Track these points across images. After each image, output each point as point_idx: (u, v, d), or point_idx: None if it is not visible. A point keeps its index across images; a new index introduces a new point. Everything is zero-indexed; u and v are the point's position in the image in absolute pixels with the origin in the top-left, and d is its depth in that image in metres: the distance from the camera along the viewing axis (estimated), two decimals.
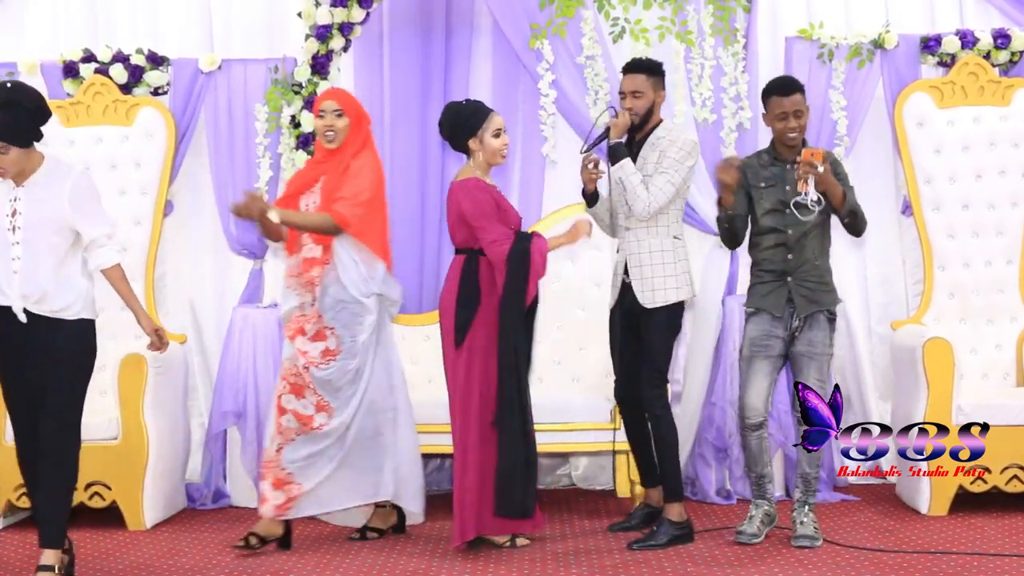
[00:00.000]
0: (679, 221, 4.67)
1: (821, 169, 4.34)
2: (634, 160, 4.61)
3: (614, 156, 4.59)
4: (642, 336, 4.63)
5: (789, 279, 4.53)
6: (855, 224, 4.56)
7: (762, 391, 4.54)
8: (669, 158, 4.54)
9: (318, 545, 4.69)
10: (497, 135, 4.57)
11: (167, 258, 5.72)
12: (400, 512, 4.78)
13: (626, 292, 4.66)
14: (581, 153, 4.69)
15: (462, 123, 4.58)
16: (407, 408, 4.71)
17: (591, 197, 4.74)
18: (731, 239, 4.68)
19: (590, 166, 4.63)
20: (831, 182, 4.40)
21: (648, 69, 4.67)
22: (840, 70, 5.46)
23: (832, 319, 4.56)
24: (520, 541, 4.58)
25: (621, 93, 4.69)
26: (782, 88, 4.56)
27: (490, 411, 4.46)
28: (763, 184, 4.58)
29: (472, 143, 4.56)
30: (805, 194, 4.39)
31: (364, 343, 4.55)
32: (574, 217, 4.85)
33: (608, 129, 4.62)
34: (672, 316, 4.63)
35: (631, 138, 4.71)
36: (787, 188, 4.51)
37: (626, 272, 4.65)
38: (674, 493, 4.60)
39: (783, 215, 4.51)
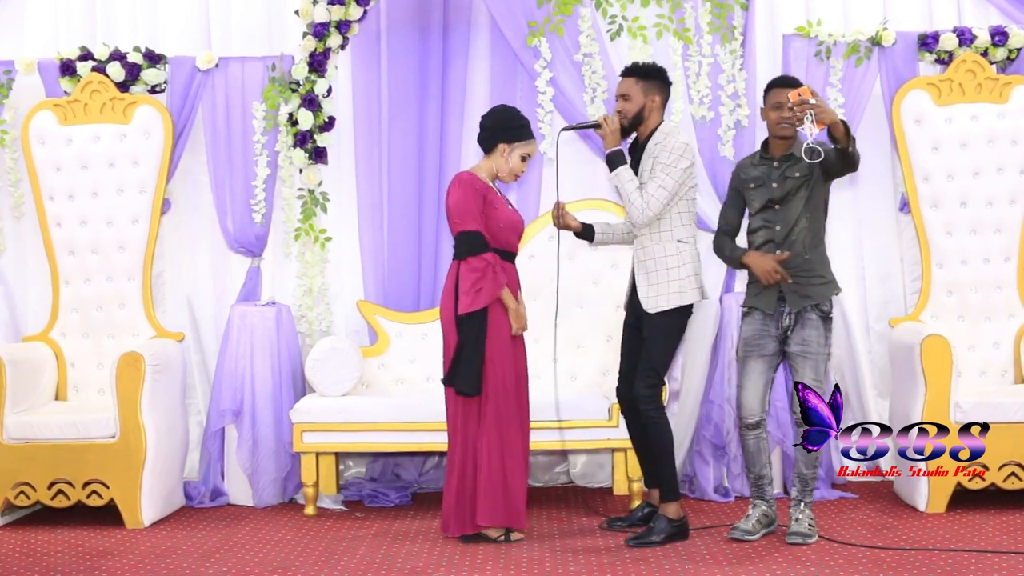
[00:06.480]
0: (685, 224, 4.64)
1: (813, 101, 4.22)
2: (637, 165, 4.63)
3: (611, 164, 4.62)
4: (644, 337, 4.64)
5: None
6: (855, 155, 4.33)
7: (758, 391, 4.54)
8: (660, 163, 4.55)
9: (318, 543, 4.69)
10: (524, 159, 4.65)
11: (165, 256, 5.73)
12: None
13: (635, 292, 4.68)
14: (561, 131, 4.83)
15: (507, 125, 4.62)
16: None
17: (584, 234, 4.81)
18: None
19: (556, 213, 4.71)
20: (829, 111, 4.27)
21: (638, 73, 4.68)
22: (838, 68, 5.45)
23: (825, 317, 4.51)
24: (515, 536, 4.60)
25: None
26: (784, 82, 4.58)
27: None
28: (752, 184, 4.60)
29: (502, 147, 4.61)
30: (807, 134, 4.22)
31: None
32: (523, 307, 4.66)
33: (597, 124, 4.66)
34: (674, 321, 4.62)
35: (635, 142, 4.72)
36: (773, 186, 4.52)
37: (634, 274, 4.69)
38: (670, 492, 4.61)
39: (773, 211, 4.53)
